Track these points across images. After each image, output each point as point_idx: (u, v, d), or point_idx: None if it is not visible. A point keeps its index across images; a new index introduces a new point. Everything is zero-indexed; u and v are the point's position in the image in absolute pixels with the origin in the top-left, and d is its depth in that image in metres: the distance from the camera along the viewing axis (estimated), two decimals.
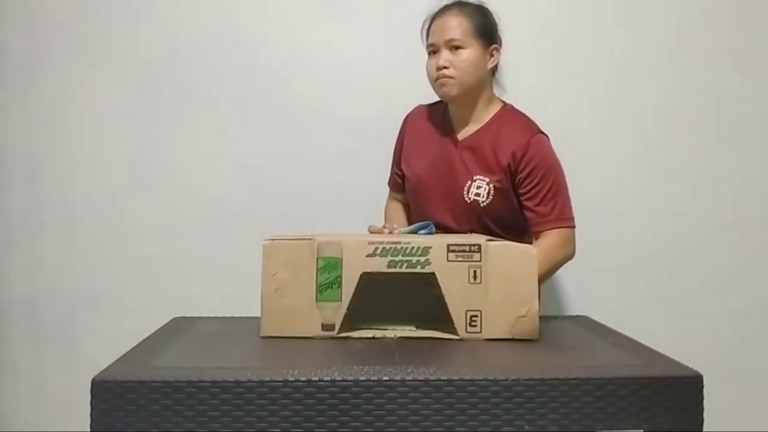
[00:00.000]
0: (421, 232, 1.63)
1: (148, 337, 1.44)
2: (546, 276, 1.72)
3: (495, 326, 1.38)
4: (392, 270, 1.36)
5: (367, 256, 1.37)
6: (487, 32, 1.78)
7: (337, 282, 1.37)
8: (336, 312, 1.38)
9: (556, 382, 1.13)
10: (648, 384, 1.15)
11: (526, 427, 1.13)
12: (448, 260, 1.37)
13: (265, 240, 1.40)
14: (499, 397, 1.13)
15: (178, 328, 1.53)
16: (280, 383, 1.12)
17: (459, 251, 1.37)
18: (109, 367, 1.18)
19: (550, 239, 1.72)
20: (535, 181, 1.73)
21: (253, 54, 2.24)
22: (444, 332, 1.39)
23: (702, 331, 2.22)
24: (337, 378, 1.12)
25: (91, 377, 1.11)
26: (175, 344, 1.37)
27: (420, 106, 1.94)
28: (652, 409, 1.14)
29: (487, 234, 1.64)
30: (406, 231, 1.70)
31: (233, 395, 1.11)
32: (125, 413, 1.10)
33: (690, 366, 1.19)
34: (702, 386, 1.16)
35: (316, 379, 1.12)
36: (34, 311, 2.24)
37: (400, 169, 1.93)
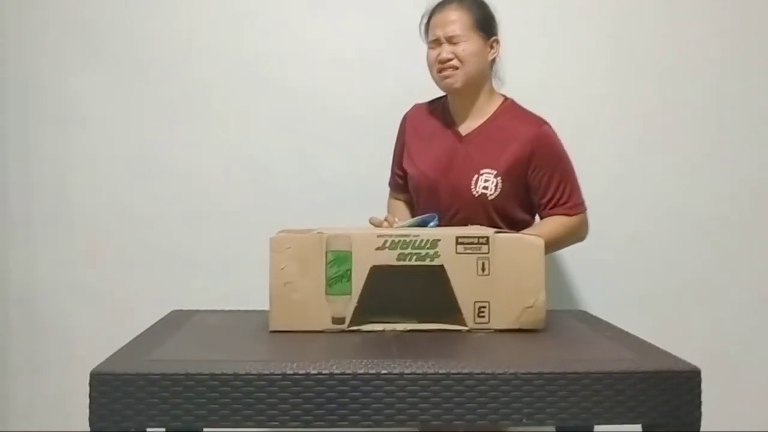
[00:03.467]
0: (431, 224, 1.64)
1: (146, 330, 1.44)
2: (552, 247, 1.73)
3: (502, 317, 1.39)
4: (402, 263, 1.37)
5: (377, 249, 1.37)
6: (486, 25, 1.78)
7: (346, 275, 1.37)
8: (346, 305, 1.38)
9: (553, 375, 1.14)
10: (645, 378, 1.15)
11: (524, 420, 1.13)
12: (456, 252, 1.38)
13: (275, 234, 1.39)
14: (497, 390, 1.13)
15: (176, 321, 1.53)
16: (279, 376, 1.12)
17: (468, 243, 1.38)
18: (107, 359, 1.18)
19: (562, 220, 1.77)
20: (548, 173, 1.76)
21: (252, 48, 2.22)
22: (452, 324, 1.39)
23: (700, 325, 2.22)
24: (336, 371, 1.13)
25: (90, 370, 1.12)
26: (174, 337, 1.37)
27: (417, 105, 1.94)
28: (649, 404, 1.14)
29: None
30: (409, 224, 1.70)
31: (231, 388, 1.11)
32: (123, 406, 1.10)
33: (688, 360, 1.20)
34: (699, 381, 1.16)
35: (315, 372, 1.12)
36: (32, 305, 2.24)
37: (401, 169, 1.93)
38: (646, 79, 2.24)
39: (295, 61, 2.22)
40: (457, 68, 1.74)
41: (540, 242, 1.43)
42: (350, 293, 1.37)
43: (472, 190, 1.76)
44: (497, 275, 1.38)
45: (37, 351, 2.24)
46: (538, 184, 1.77)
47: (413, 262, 1.37)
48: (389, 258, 1.37)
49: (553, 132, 1.78)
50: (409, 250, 1.36)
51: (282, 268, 1.37)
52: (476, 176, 1.76)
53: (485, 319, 1.39)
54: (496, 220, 1.77)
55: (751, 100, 2.25)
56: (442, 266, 1.37)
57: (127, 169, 2.23)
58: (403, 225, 1.68)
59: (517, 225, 1.77)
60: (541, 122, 1.78)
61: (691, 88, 2.24)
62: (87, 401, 1.11)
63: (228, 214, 2.22)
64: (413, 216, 1.91)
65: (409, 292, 1.41)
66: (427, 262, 1.37)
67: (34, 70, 2.22)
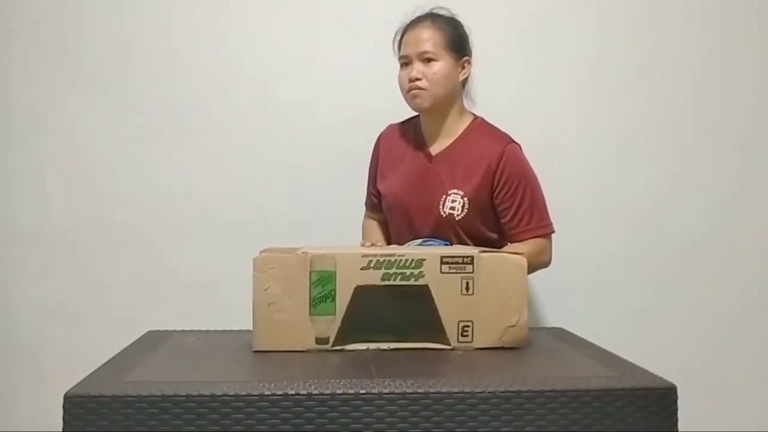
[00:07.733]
0: (434, 242, 1.64)
1: (121, 351, 1.43)
2: None
3: (485, 336, 1.40)
4: (386, 283, 1.37)
5: (361, 269, 1.37)
6: (458, 45, 1.79)
7: (330, 296, 1.36)
8: (330, 325, 1.37)
9: (531, 394, 1.14)
10: (622, 395, 1.16)
11: None
12: (441, 272, 1.38)
13: (258, 253, 1.38)
14: (476, 409, 1.13)
15: (152, 341, 1.51)
16: (256, 397, 1.11)
17: (452, 263, 1.39)
18: (81, 381, 1.16)
19: (526, 247, 1.73)
20: (511, 191, 1.75)
21: (236, 67, 2.22)
22: (436, 342, 1.39)
23: (676, 342, 2.24)
24: (314, 392, 1.12)
25: (64, 392, 1.10)
26: (150, 358, 1.36)
27: (391, 125, 1.95)
28: (626, 421, 1.15)
29: None
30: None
31: (209, 409, 1.10)
32: (98, 428, 1.09)
33: (664, 377, 1.21)
34: (676, 397, 1.17)
35: (293, 393, 1.12)
36: (6, 322, 2.20)
37: (376, 189, 1.94)
38: (625, 94, 2.26)
39: (279, 81, 2.23)
40: (425, 89, 1.75)
41: (524, 262, 1.43)
42: (334, 313, 1.37)
43: (440, 210, 1.77)
44: (481, 294, 1.39)
45: (9, 372, 2.20)
46: (502, 202, 1.76)
47: (398, 282, 1.37)
48: (374, 278, 1.36)
49: (520, 151, 1.79)
50: (393, 270, 1.36)
51: (265, 288, 1.36)
52: (444, 196, 1.77)
53: (468, 338, 1.39)
54: (465, 240, 1.78)
55: (730, 116, 2.28)
56: (426, 286, 1.37)
57: (106, 186, 2.21)
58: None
59: (485, 245, 1.77)
60: (507, 140, 1.78)
61: (670, 104, 2.27)
62: (61, 424, 1.10)
63: (210, 232, 2.21)
64: (386, 235, 1.91)
65: (393, 311, 1.41)
66: (412, 281, 1.37)
67: (17, 83, 2.20)
